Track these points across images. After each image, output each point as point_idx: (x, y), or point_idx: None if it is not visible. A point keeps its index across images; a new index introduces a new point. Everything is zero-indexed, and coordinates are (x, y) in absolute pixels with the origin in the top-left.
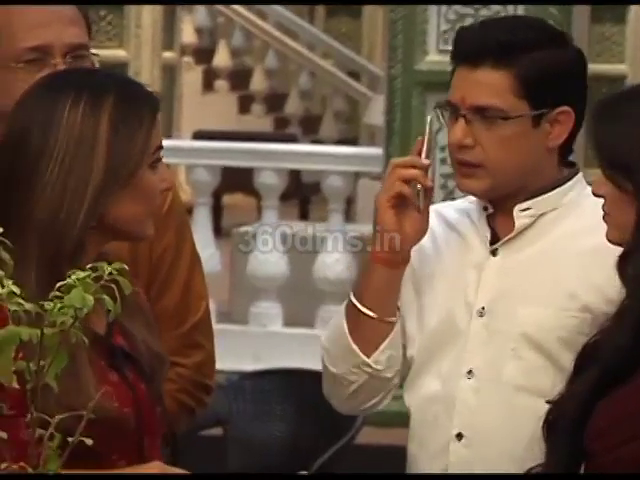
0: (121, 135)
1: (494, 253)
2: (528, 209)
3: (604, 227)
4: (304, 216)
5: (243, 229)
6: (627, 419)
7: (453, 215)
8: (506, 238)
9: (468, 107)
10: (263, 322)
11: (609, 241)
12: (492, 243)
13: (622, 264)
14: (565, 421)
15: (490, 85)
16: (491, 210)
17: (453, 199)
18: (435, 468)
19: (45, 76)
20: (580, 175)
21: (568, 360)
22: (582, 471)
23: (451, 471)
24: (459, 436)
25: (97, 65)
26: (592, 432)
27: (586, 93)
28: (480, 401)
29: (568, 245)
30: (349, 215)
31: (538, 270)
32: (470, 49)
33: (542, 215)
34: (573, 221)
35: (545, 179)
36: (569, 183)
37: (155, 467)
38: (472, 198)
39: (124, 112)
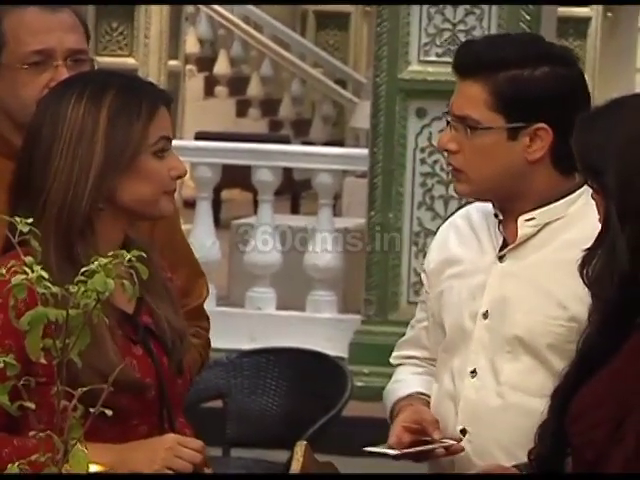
0: (118, 124)
1: (501, 259)
2: (532, 219)
3: None
4: (295, 210)
5: (240, 222)
6: (597, 404)
7: (477, 217)
8: (511, 246)
9: (453, 115)
10: (258, 305)
11: None
12: (502, 249)
13: (584, 263)
14: (551, 407)
15: (468, 97)
16: (500, 217)
17: (432, 197)
18: (443, 460)
19: (61, 80)
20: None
21: (558, 364)
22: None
23: (456, 464)
24: (463, 431)
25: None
26: (570, 416)
27: (577, 110)
28: (480, 399)
29: (566, 255)
30: (336, 209)
31: (536, 278)
32: (459, 63)
33: (548, 224)
34: (576, 231)
35: (542, 188)
36: (576, 193)
37: (169, 439)
38: None
39: (122, 103)
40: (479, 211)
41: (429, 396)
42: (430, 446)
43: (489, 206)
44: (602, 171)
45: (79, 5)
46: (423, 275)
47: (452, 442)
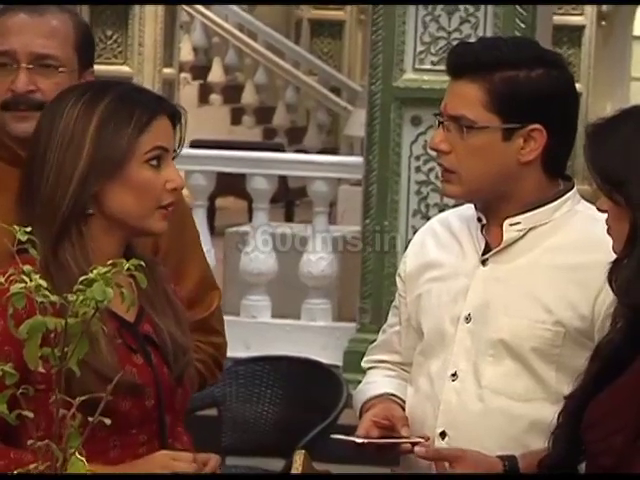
0: (107, 130)
1: (484, 263)
2: (518, 223)
3: (590, 244)
4: (290, 218)
5: (235, 229)
6: (616, 411)
7: (456, 223)
8: (495, 250)
9: (447, 115)
10: (253, 313)
11: (615, 253)
12: (485, 253)
13: (612, 272)
14: (566, 413)
15: (464, 96)
16: (484, 221)
17: (427, 205)
18: (422, 463)
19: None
20: (574, 190)
21: (542, 368)
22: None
23: (434, 466)
24: (442, 434)
25: (62, 77)
26: (586, 423)
27: (569, 113)
28: (461, 402)
29: (552, 260)
30: (331, 217)
31: (520, 282)
32: (454, 62)
33: (532, 228)
34: (561, 237)
35: (530, 191)
36: (562, 198)
37: (161, 457)
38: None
39: (114, 111)
40: (458, 216)
41: (400, 398)
42: (397, 440)
43: (468, 211)
44: (625, 181)
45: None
46: (398, 279)
47: (420, 439)
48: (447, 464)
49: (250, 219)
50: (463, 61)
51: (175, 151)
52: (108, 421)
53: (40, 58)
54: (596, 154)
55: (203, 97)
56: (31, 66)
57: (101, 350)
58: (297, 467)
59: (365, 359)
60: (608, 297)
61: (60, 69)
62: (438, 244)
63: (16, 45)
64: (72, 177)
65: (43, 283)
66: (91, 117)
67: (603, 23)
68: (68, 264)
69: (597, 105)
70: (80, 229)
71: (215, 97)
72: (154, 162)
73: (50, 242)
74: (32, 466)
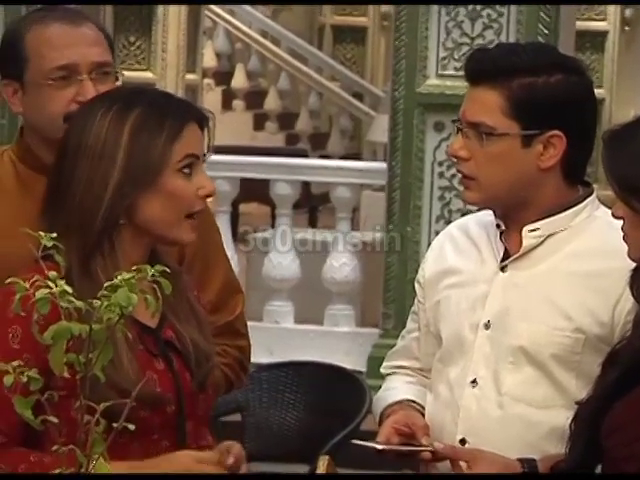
0: (140, 141)
1: (503, 269)
2: (536, 230)
3: (608, 251)
4: (313, 223)
5: (258, 235)
6: (637, 418)
7: (475, 229)
8: (514, 256)
9: (465, 122)
10: (276, 319)
11: (631, 259)
12: (503, 259)
13: (634, 278)
14: (584, 419)
15: (483, 103)
16: (503, 228)
17: (450, 211)
18: (441, 469)
19: (92, 96)
20: (593, 196)
21: (562, 375)
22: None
23: (452, 468)
24: (462, 441)
25: (120, 80)
26: (608, 429)
27: (588, 119)
28: (481, 409)
29: (571, 266)
30: (354, 223)
31: (540, 289)
32: (472, 68)
33: (551, 235)
34: (580, 243)
35: (549, 198)
36: (581, 204)
37: (185, 459)
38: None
39: (145, 120)
40: (477, 222)
41: (420, 405)
42: (417, 448)
43: (487, 217)
44: None
45: (97, 18)
46: (417, 285)
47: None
48: (464, 465)
49: (273, 225)
50: (481, 67)
51: (204, 155)
52: (132, 427)
53: (100, 66)
54: (614, 160)
55: (226, 103)
56: (94, 75)
57: (121, 362)
58: (321, 472)
59: (384, 365)
60: (627, 304)
61: (117, 74)
62: (456, 250)
63: (76, 57)
64: (106, 188)
65: (68, 289)
66: (123, 127)
67: (626, 28)
68: (97, 275)
69: (621, 111)
70: (112, 240)
71: (238, 103)
72: (187, 170)
73: (81, 252)
74: (57, 471)
